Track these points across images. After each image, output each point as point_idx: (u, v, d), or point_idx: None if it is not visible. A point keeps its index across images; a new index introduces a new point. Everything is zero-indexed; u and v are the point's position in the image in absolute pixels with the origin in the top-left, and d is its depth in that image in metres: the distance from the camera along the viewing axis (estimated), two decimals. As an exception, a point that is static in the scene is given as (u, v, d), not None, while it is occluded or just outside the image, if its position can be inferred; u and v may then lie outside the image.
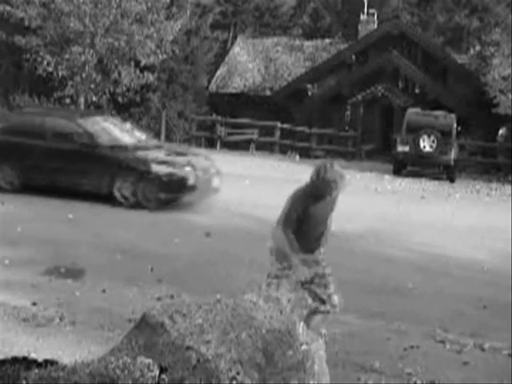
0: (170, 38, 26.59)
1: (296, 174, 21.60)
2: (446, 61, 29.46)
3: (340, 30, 39.17)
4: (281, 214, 5.91)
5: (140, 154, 13.64)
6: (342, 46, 31.99)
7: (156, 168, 13.22)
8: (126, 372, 3.66)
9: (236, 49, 34.29)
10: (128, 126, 16.13)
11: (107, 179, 13.12)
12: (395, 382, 5.64)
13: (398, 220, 13.48)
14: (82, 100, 26.60)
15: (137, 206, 12.92)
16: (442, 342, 6.81)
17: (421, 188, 19.78)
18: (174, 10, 28.09)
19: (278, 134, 29.15)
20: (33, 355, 4.58)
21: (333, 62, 30.66)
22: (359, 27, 32.50)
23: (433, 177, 22.86)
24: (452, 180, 22.84)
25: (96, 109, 27.08)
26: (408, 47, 29.56)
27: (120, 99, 27.00)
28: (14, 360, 4.07)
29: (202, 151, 21.14)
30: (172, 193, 13.32)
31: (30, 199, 12.95)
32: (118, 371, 3.66)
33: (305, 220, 5.86)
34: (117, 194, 13.07)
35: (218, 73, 32.97)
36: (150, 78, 26.78)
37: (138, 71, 26.56)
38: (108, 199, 12.94)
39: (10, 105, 25.97)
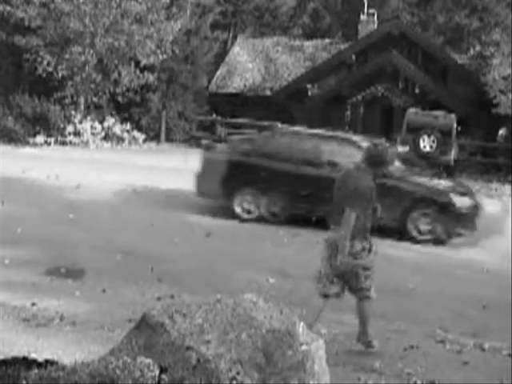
0: (170, 38, 26.63)
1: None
2: (445, 61, 29.46)
3: (340, 30, 39.19)
4: (349, 198, 5.98)
5: (435, 183, 12.63)
6: (342, 46, 32.00)
7: (457, 200, 12.21)
8: (126, 372, 3.65)
9: (236, 49, 34.30)
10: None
11: (399, 212, 12.01)
12: (395, 382, 5.64)
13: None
14: (82, 100, 26.62)
15: (435, 242, 11.93)
16: (442, 342, 6.82)
17: (421, 188, 19.73)
18: (174, 10, 28.13)
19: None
20: (33, 355, 4.57)
21: (333, 62, 30.66)
22: (359, 27, 32.51)
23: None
24: (452, 180, 22.84)
25: (96, 109, 27.10)
26: (408, 47, 29.56)
27: (120, 99, 27.02)
28: (14, 360, 4.06)
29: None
30: (470, 227, 12.29)
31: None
32: (118, 371, 3.65)
33: (370, 198, 6.11)
34: (411, 228, 12.05)
35: (218, 73, 32.97)
36: (150, 78, 26.81)
37: (138, 71, 26.60)
38: (398, 233, 12.02)
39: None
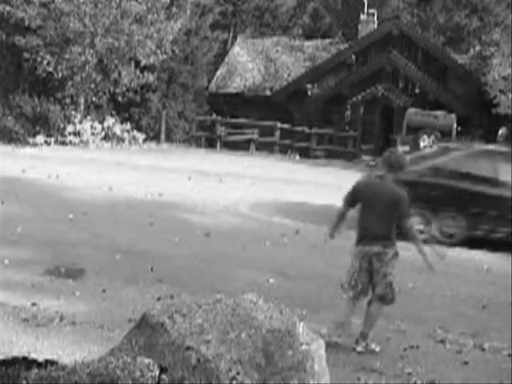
0: (170, 38, 26.64)
1: (295, 173, 21.66)
2: (445, 61, 29.48)
3: (340, 29, 39.19)
4: (400, 208, 6.33)
5: None
6: (342, 46, 32.01)
7: None
8: (126, 372, 3.65)
9: (236, 49, 34.31)
10: None
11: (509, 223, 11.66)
12: (395, 382, 5.64)
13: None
14: (82, 100, 26.62)
15: None
16: (442, 341, 6.81)
17: (421, 188, 19.71)
18: (174, 10, 28.13)
19: (277, 134, 29.21)
20: (33, 355, 4.57)
21: (333, 62, 30.68)
22: (359, 27, 32.54)
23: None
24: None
25: (96, 109, 27.11)
26: (408, 47, 29.58)
27: (120, 99, 27.02)
28: (14, 360, 4.06)
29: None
30: None
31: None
32: (118, 371, 3.65)
33: None
34: None
35: (218, 73, 32.98)
36: (150, 78, 26.81)
37: (138, 71, 26.59)
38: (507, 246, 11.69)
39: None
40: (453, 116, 24.08)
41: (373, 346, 6.33)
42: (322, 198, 14.95)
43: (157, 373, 3.72)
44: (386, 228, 6.34)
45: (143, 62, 26.37)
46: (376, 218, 6.33)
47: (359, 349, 6.29)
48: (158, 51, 26.42)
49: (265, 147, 28.99)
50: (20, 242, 9.45)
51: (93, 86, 26.42)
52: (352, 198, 6.57)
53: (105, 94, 27.01)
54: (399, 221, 6.35)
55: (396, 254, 6.45)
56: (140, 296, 7.40)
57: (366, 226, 6.41)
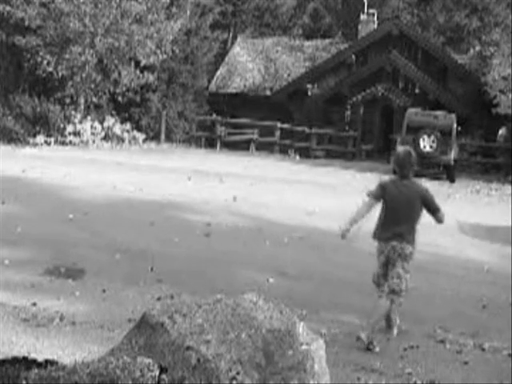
0: (170, 38, 26.67)
1: (295, 173, 21.66)
2: (445, 61, 29.49)
3: (340, 29, 39.20)
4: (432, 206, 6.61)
5: None
6: (342, 46, 32.02)
7: None
8: (126, 372, 3.65)
9: (236, 49, 34.31)
10: None
11: None
12: (395, 382, 5.63)
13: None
14: (82, 100, 26.64)
15: None
16: (442, 342, 6.81)
17: (421, 188, 19.69)
18: (174, 10, 28.16)
19: (277, 134, 29.21)
20: (33, 355, 4.57)
21: (333, 62, 30.69)
22: (359, 27, 32.55)
23: (433, 177, 22.86)
24: (452, 180, 22.84)
25: (96, 109, 27.12)
26: (408, 47, 29.59)
27: (120, 99, 27.03)
28: (14, 360, 4.06)
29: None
30: None
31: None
32: (118, 371, 3.65)
33: None
34: None
35: (218, 73, 32.99)
36: (150, 78, 26.83)
37: (138, 71, 26.61)
38: None
39: None
40: (453, 116, 24.05)
41: (375, 343, 6.33)
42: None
43: (157, 373, 3.72)
44: (408, 226, 6.51)
45: (143, 62, 26.39)
46: (400, 216, 6.49)
47: (363, 336, 6.31)
48: (158, 51, 26.44)
49: (265, 147, 29.00)
50: (20, 242, 9.45)
51: (93, 86, 26.43)
52: (381, 194, 6.64)
53: (105, 93, 27.02)
54: (433, 216, 6.64)
55: (411, 253, 6.58)
56: (140, 296, 7.40)
57: (389, 223, 6.54)
